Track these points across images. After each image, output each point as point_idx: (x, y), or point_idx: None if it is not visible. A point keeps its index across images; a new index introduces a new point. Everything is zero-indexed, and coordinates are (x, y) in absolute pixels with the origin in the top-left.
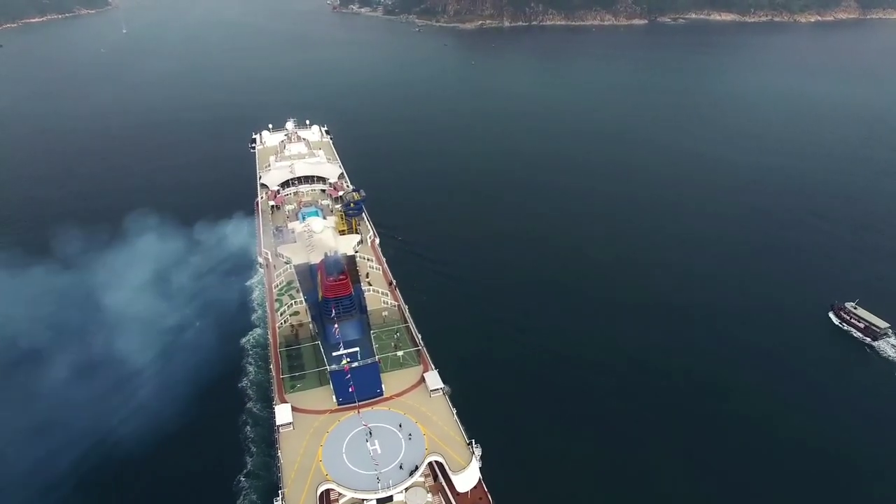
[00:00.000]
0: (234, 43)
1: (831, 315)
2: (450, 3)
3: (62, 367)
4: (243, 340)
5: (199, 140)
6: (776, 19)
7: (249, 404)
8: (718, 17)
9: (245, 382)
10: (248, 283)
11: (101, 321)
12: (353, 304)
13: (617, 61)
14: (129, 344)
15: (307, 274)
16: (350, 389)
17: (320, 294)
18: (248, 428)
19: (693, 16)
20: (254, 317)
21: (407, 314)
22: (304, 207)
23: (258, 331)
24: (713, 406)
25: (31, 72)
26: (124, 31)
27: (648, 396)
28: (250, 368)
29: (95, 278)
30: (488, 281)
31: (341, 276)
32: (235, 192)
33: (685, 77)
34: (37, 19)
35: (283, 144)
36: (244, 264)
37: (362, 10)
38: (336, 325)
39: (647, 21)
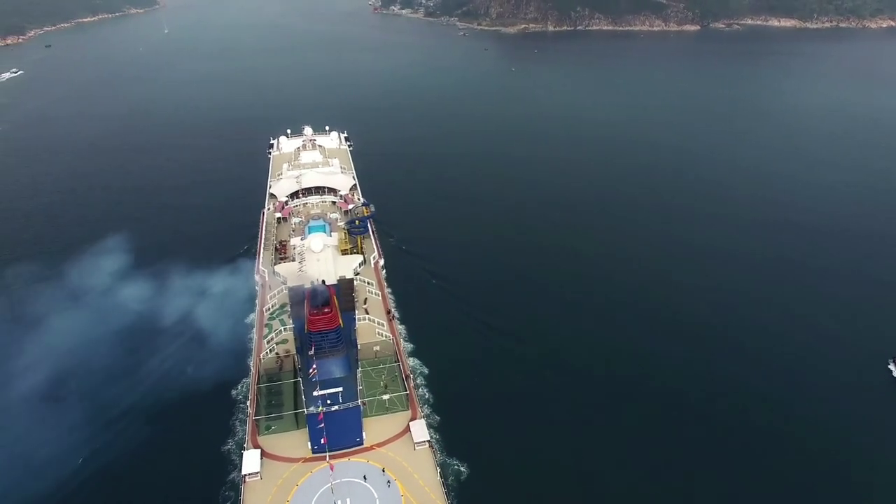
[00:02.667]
0: (270, 44)
1: (892, 367)
2: (492, 5)
3: (31, 391)
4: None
5: (220, 145)
6: (842, 25)
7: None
8: (777, 24)
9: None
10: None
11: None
12: (340, 339)
13: (667, 70)
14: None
15: (300, 298)
16: (322, 441)
17: (306, 325)
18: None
19: (749, 21)
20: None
21: (401, 349)
22: (312, 220)
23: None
24: (762, 462)
25: (69, 73)
26: (166, 30)
27: (698, 456)
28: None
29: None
30: (509, 314)
31: (326, 309)
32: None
33: (740, 88)
34: (89, 19)
35: (298, 151)
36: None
37: (403, 11)
38: (314, 366)
39: (699, 27)
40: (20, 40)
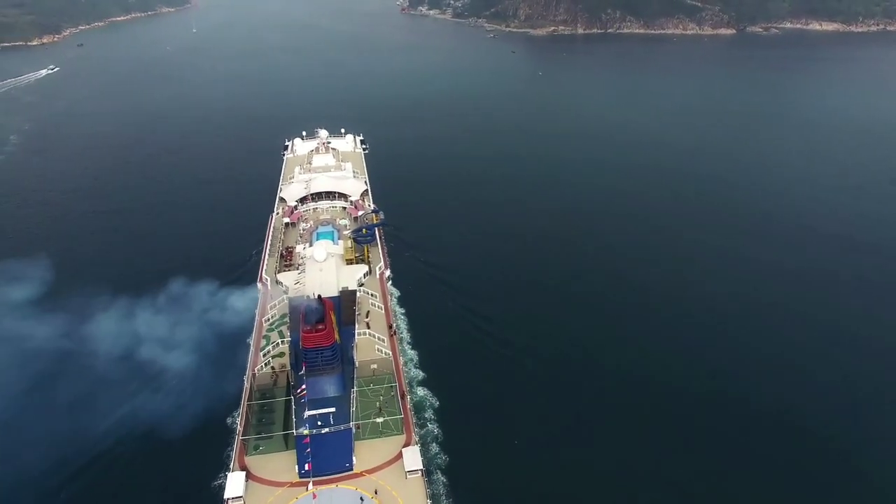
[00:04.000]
0: (295, 44)
1: None
2: (521, 7)
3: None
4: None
5: (238, 146)
6: (890, 28)
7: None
8: (818, 27)
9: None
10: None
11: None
12: (336, 356)
13: (700, 76)
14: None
15: (299, 311)
16: (307, 467)
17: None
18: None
19: (788, 25)
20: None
21: (400, 367)
22: (320, 226)
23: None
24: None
25: (96, 73)
26: (194, 30)
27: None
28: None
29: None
30: (534, 338)
31: (320, 326)
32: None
33: (779, 96)
34: (122, 18)
35: (311, 154)
36: None
37: (431, 12)
38: (303, 385)
39: (734, 31)
40: (56, 39)
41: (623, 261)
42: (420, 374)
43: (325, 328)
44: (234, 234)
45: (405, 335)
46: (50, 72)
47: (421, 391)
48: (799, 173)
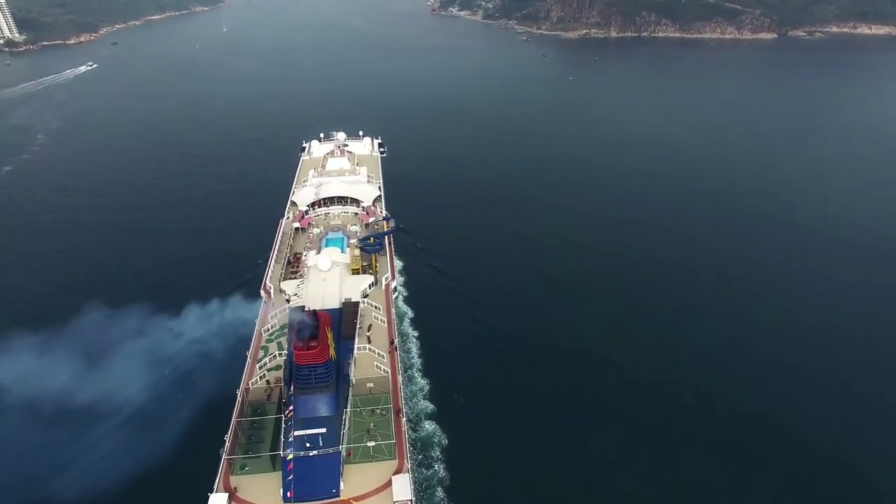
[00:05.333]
0: (323, 44)
1: None
2: (553, 9)
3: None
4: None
5: (257, 148)
6: None
7: None
8: (867, 31)
9: None
10: None
11: None
12: (330, 373)
13: (739, 83)
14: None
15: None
16: (289, 494)
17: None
18: None
19: (834, 29)
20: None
21: (399, 387)
22: (331, 232)
23: None
24: None
25: (126, 71)
26: (224, 29)
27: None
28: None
29: None
30: (557, 366)
31: (312, 343)
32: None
33: (825, 106)
34: (157, 17)
35: (326, 157)
36: None
37: (461, 13)
38: (290, 407)
39: (776, 35)
40: (92, 38)
41: (658, 278)
42: (429, 407)
43: (317, 345)
44: (248, 237)
45: (415, 360)
46: (88, 68)
47: (429, 425)
48: (846, 188)
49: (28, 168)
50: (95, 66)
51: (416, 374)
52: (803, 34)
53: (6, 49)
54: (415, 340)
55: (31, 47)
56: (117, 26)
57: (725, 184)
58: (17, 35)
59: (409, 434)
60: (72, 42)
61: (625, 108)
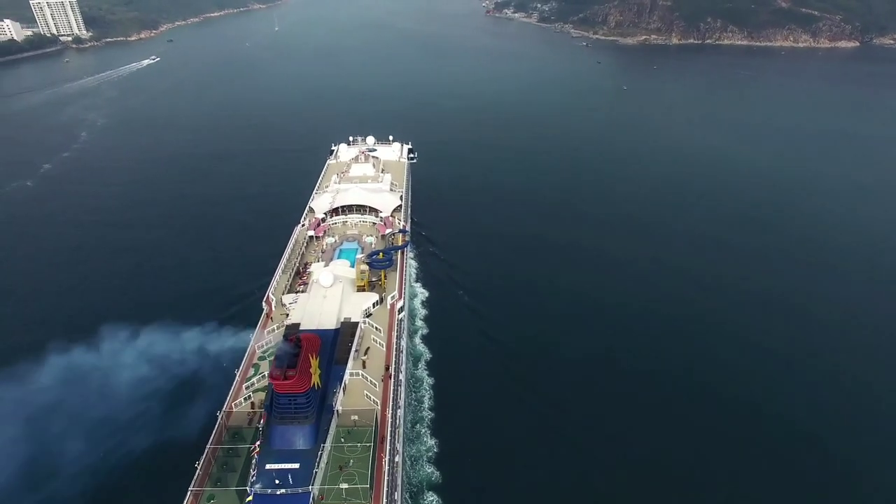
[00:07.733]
0: (374, 45)
1: None
2: (611, 13)
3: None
4: None
5: (291, 150)
6: None
7: None
8: None
9: None
10: None
11: None
12: (311, 403)
13: (815, 97)
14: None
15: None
16: None
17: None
18: None
19: None
20: None
21: (388, 419)
22: (346, 242)
23: None
24: None
25: (176, 69)
26: (276, 28)
27: None
28: None
29: None
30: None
31: (290, 372)
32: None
33: None
34: (215, 14)
35: (350, 163)
36: None
37: (516, 15)
38: (257, 443)
39: (857, 43)
40: (152, 34)
41: (732, 315)
42: (433, 445)
43: (295, 374)
44: (267, 243)
45: (426, 391)
46: (152, 61)
47: (429, 469)
48: None
49: (65, 169)
50: (158, 59)
51: (424, 411)
52: (891, 42)
53: (73, 46)
54: (425, 371)
55: (96, 44)
56: (177, 23)
57: (795, 208)
58: (84, 32)
59: (391, 475)
60: (132, 39)
61: (681, 120)
